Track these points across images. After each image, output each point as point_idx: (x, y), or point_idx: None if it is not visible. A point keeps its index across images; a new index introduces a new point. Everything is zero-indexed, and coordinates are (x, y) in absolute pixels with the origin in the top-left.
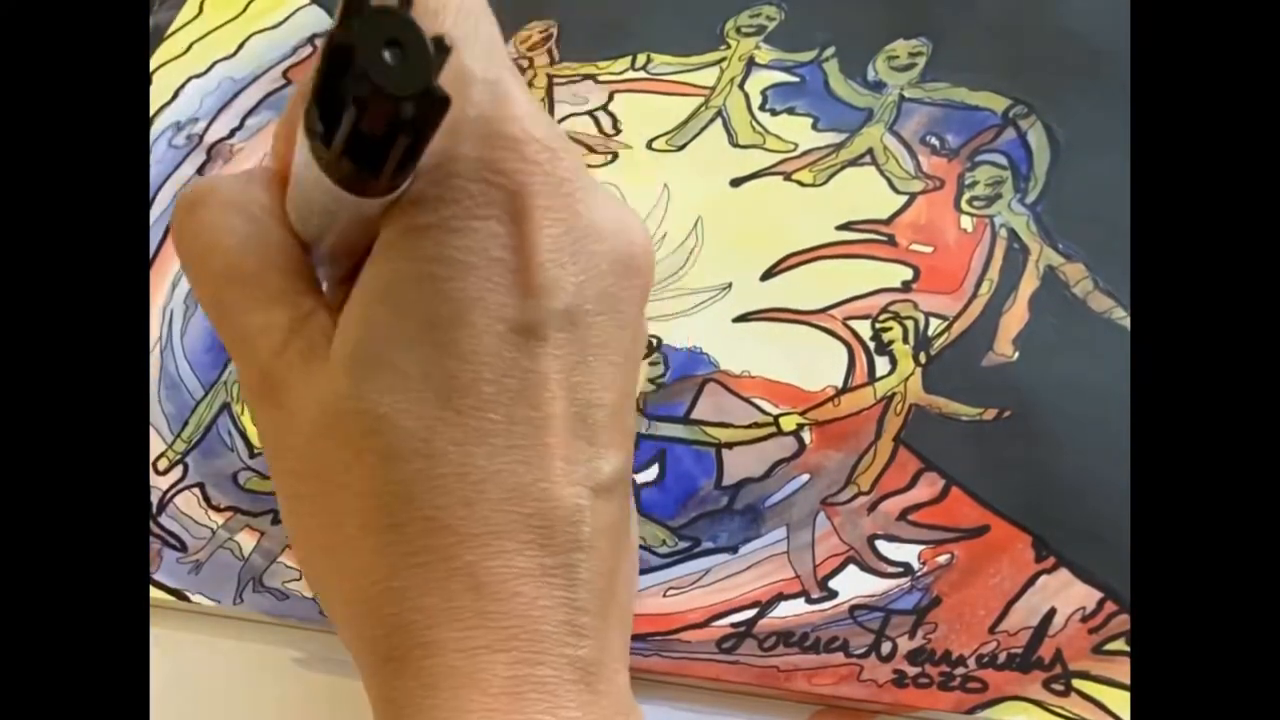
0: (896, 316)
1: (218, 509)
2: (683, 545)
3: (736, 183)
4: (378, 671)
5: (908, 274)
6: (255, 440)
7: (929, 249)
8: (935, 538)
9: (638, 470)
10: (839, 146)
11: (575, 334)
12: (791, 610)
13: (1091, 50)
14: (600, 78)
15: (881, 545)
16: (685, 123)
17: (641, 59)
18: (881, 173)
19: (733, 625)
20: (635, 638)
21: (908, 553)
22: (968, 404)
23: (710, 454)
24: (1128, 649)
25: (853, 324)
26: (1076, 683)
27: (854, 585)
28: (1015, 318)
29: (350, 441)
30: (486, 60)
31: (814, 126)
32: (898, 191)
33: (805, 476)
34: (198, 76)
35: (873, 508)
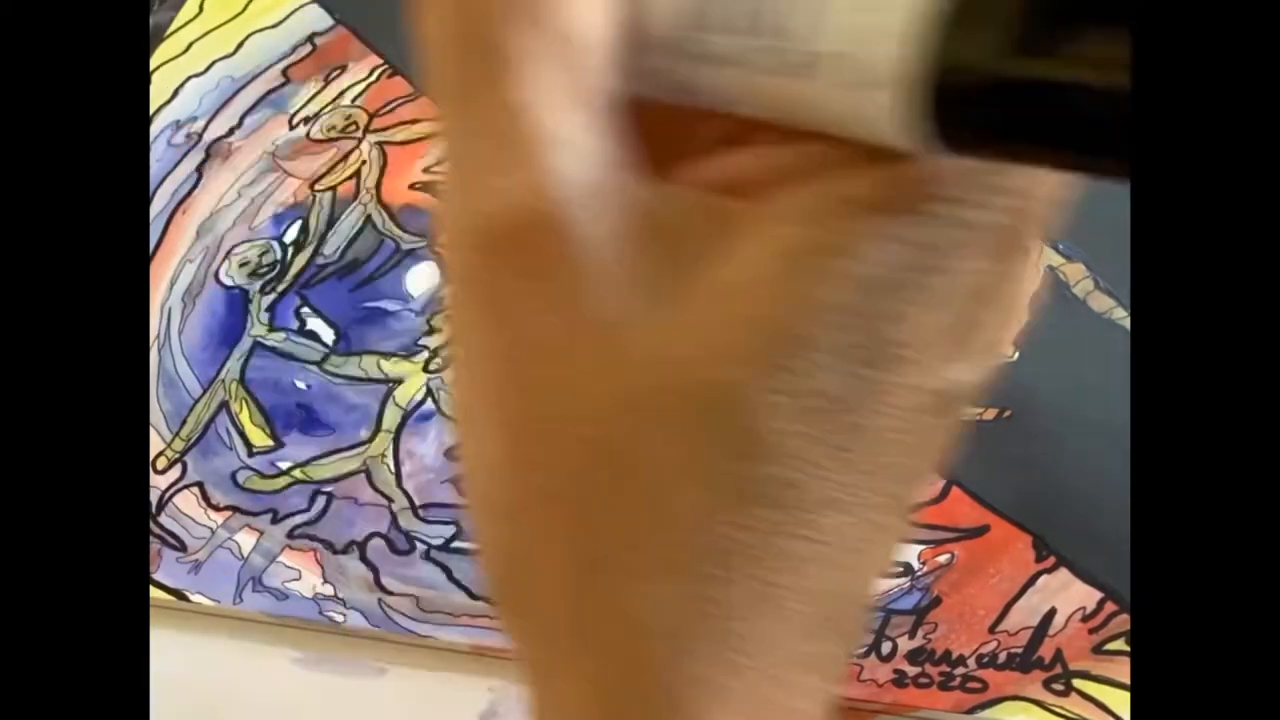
0: None
1: (217, 508)
2: None
3: None
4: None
5: None
6: (253, 438)
7: None
8: (935, 537)
9: None
10: None
11: None
12: None
13: None
14: None
15: None
16: None
17: None
18: None
19: None
20: None
21: (908, 553)
22: None
23: None
24: (1128, 649)
25: None
26: (1076, 682)
27: None
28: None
29: None
30: None
31: None
32: None
33: None
34: (197, 75)
35: None
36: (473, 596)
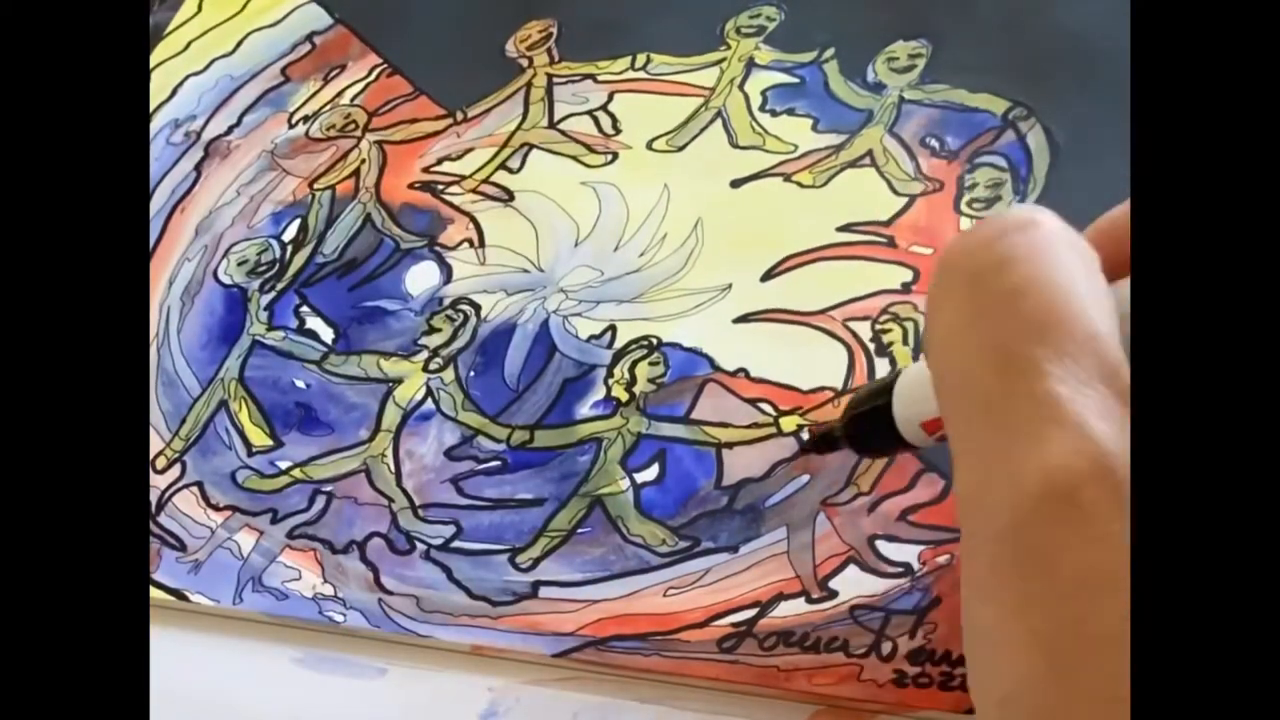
0: (896, 318)
1: (216, 508)
2: (683, 545)
3: (736, 184)
4: None
5: (908, 275)
6: (253, 438)
7: (929, 250)
8: (935, 538)
9: (637, 470)
10: (839, 148)
11: None
12: (792, 610)
13: (1091, 52)
14: (600, 78)
15: (882, 545)
16: (685, 123)
17: (641, 59)
18: (881, 174)
19: (733, 625)
20: (635, 638)
21: (908, 553)
22: None
23: (710, 454)
24: None
25: (853, 325)
26: None
27: (854, 585)
28: None
29: None
30: None
31: (814, 128)
32: (897, 193)
33: (805, 477)
34: (196, 74)
35: (873, 508)
36: (473, 596)
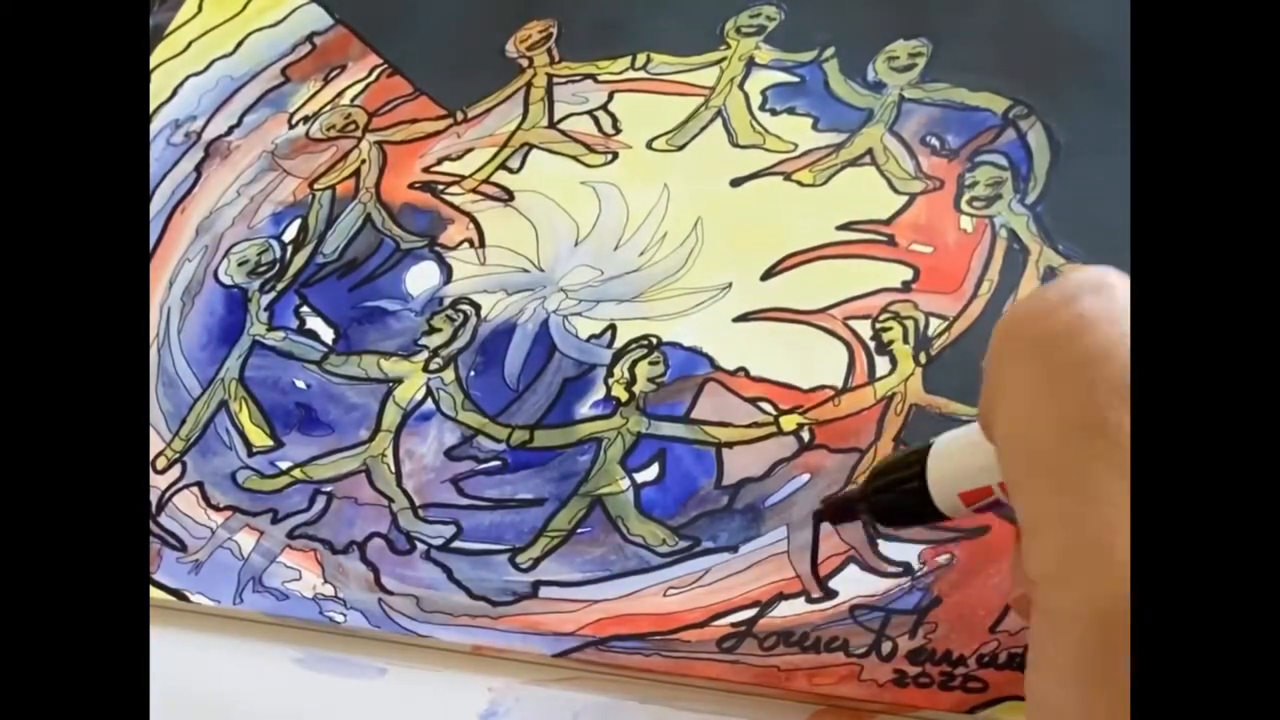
0: (896, 316)
1: (217, 508)
2: (683, 545)
3: (736, 183)
4: None
5: (908, 274)
6: (253, 438)
7: (929, 249)
8: (935, 538)
9: (637, 470)
10: (839, 147)
11: None
12: (792, 610)
13: (1091, 50)
14: (600, 77)
15: (882, 545)
16: (685, 123)
17: (641, 59)
18: (881, 173)
19: (733, 625)
20: (635, 638)
21: (908, 553)
22: (968, 404)
23: (710, 453)
24: None
25: (853, 324)
26: None
27: (854, 585)
28: None
29: None
30: None
31: (814, 126)
32: (898, 192)
33: (805, 476)
34: (196, 74)
35: None
36: (473, 596)
